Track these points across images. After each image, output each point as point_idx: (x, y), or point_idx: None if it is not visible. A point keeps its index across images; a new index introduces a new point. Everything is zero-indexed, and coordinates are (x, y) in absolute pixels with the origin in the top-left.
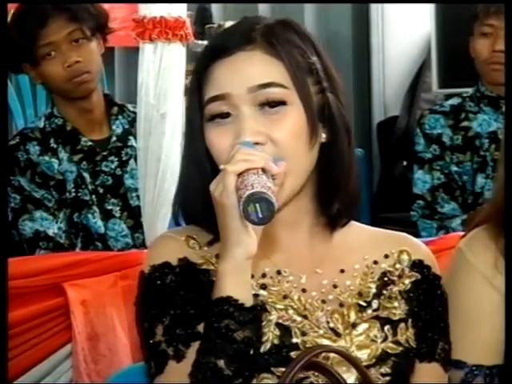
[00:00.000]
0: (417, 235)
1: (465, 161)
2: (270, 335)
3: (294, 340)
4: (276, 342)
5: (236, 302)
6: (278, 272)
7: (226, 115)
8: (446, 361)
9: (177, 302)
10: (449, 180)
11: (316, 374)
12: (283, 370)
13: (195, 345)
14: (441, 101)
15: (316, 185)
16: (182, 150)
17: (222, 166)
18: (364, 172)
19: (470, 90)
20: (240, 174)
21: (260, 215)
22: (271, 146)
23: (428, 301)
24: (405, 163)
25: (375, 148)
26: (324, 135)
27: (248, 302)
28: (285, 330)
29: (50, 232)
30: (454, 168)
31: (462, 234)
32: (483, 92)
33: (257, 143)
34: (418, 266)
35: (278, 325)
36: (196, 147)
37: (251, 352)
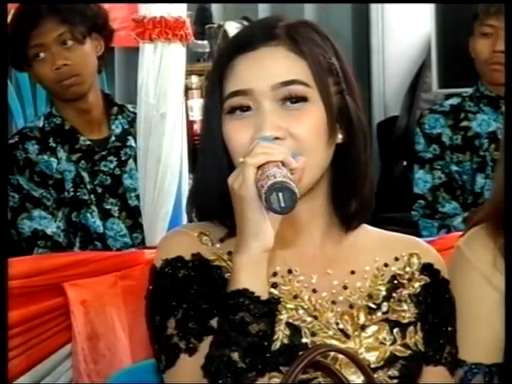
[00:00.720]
0: (417, 235)
1: (464, 161)
2: (280, 334)
3: (304, 340)
4: (286, 341)
5: (252, 294)
6: (289, 271)
7: (246, 108)
8: (452, 365)
9: (189, 296)
10: (449, 179)
11: (325, 374)
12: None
13: (208, 339)
14: (441, 101)
15: (331, 185)
16: (200, 143)
17: (241, 159)
18: None
19: (469, 90)
20: (259, 167)
21: (282, 204)
22: (291, 140)
23: (436, 305)
24: (405, 163)
25: (375, 148)
26: (340, 136)
27: (264, 294)
28: (295, 330)
29: (49, 231)
30: (455, 168)
31: (461, 233)
32: (483, 92)
33: (277, 138)
34: (427, 269)
35: (288, 324)
36: (214, 140)
37: (265, 345)
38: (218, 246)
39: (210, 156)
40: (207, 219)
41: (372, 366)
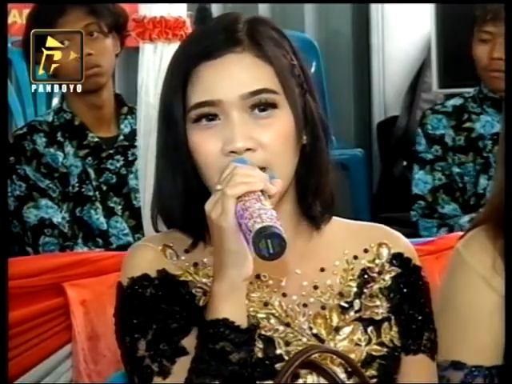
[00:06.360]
0: (417, 235)
1: (467, 162)
2: (254, 348)
3: (278, 351)
4: (260, 355)
5: (232, 324)
6: (258, 276)
7: (213, 117)
8: (432, 350)
9: (158, 316)
10: (450, 181)
11: (301, 381)
12: (268, 382)
13: (180, 360)
14: (441, 101)
15: (297, 188)
16: (159, 149)
17: (218, 187)
18: (364, 172)
19: (470, 90)
20: (239, 197)
21: (271, 251)
22: (261, 151)
23: (410, 294)
24: (405, 163)
25: (375, 148)
26: (305, 137)
27: (243, 323)
28: (268, 342)
29: (55, 220)
30: (456, 169)
31: (460, 235)
32: (486, 94)
33: (248, 149)
34: (397, 259)
35: (260, 336)
36: (178, 149)
37: (245, 373)
38: (183, 258)
39: (173, 164)
40: (174, 227)
41: (349, 369)
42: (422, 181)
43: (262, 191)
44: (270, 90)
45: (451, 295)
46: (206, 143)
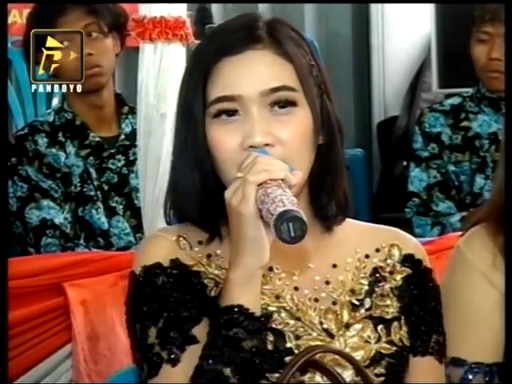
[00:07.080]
0: (417, 235)
1: (463, 161)
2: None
3: (288, 345)
4: (270, 347)
5: (247, 310)
6: (270, 269)
7: (232, 112)
8: (440, 353)
9: (170, 304)
10: (445, 179)
11: (310, 375)
12: (278, 375)
13: (190, 349)
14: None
15: (310, 189)
16: (176, 145)
17: (239, 174)
18: (364, 172)
19: (470, 90)
20: (260, 184)
21: (292, 234)
22: (279, 146)
23: (421, 295)
24: (405, 163)
25: (375, 148)
26: (321, 137)
27: (257, 310)
28: (278, 335)
29: (57, 221)
30: (452, 167)
31: (460, 233)
32: (484, 93)
33: (267, 144)
34: (408, 260)
35: (271, 329)
36: (196, 144)
37: (257, 361)
38: (196, 249)
39: (191, 160)
40: (187, 221)
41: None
42: (417, 178)
43: (282, 180)
44: (289, 87)
45: (452, 292)
46: (225, 138)
